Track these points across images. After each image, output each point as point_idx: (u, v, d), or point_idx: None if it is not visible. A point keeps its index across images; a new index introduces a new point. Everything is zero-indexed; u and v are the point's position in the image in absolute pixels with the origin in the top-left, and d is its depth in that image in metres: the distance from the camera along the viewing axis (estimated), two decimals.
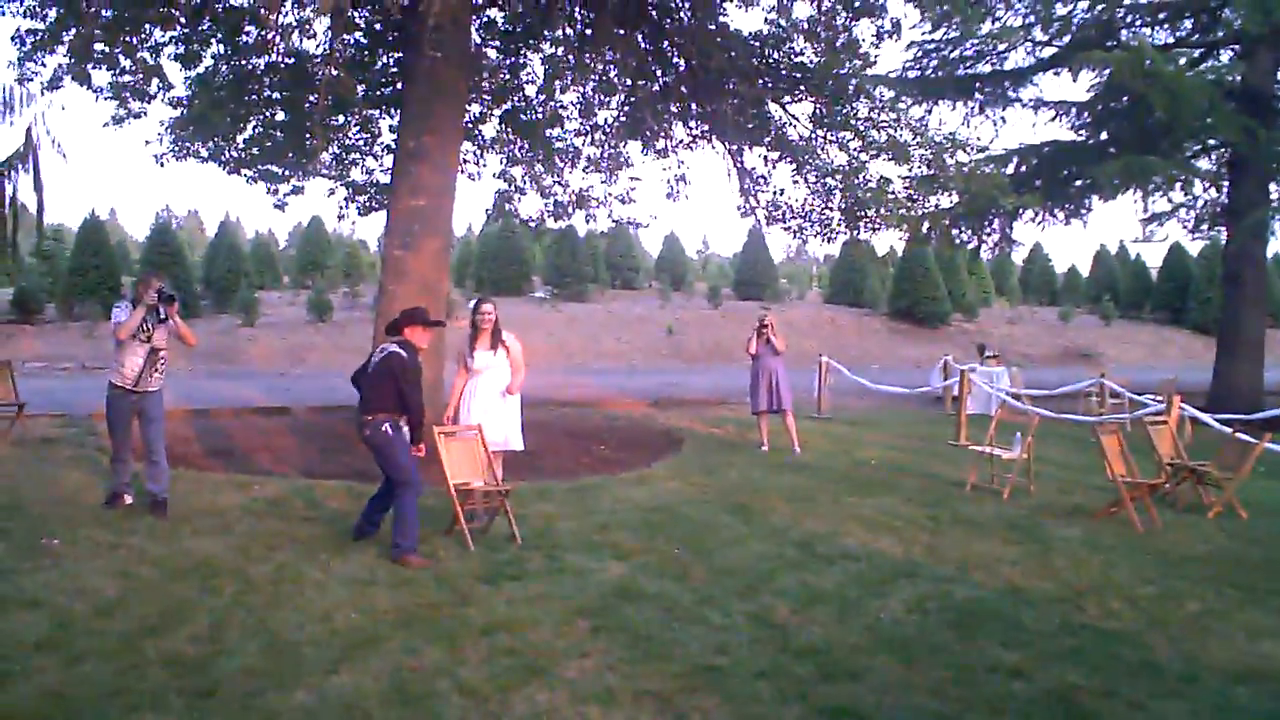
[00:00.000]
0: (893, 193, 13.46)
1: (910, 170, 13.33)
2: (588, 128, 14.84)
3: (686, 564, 6.47)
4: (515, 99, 14.74)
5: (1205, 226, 19.93)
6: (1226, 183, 17.69)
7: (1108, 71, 15.79)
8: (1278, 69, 16.69)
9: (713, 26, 12.91)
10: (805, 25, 12.50)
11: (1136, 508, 8.03)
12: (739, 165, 14.46)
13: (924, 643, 5.15)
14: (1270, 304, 22.04)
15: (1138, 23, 17.15)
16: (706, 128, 14.35)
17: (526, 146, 15.07)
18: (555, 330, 25.85)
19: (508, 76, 14.51)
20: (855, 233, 14.24)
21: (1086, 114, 18.21)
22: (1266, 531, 8.05)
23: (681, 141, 14.73)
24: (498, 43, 14.21)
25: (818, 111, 13.45)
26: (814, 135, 13.63)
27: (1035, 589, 6.16)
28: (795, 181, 14.04)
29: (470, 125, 14.35)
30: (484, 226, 27.73)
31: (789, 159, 13.96)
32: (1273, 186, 17.26)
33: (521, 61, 14.41)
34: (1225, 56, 17.20)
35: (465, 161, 14.61)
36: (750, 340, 11.60)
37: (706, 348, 25.43)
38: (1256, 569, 6.85)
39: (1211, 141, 17.53)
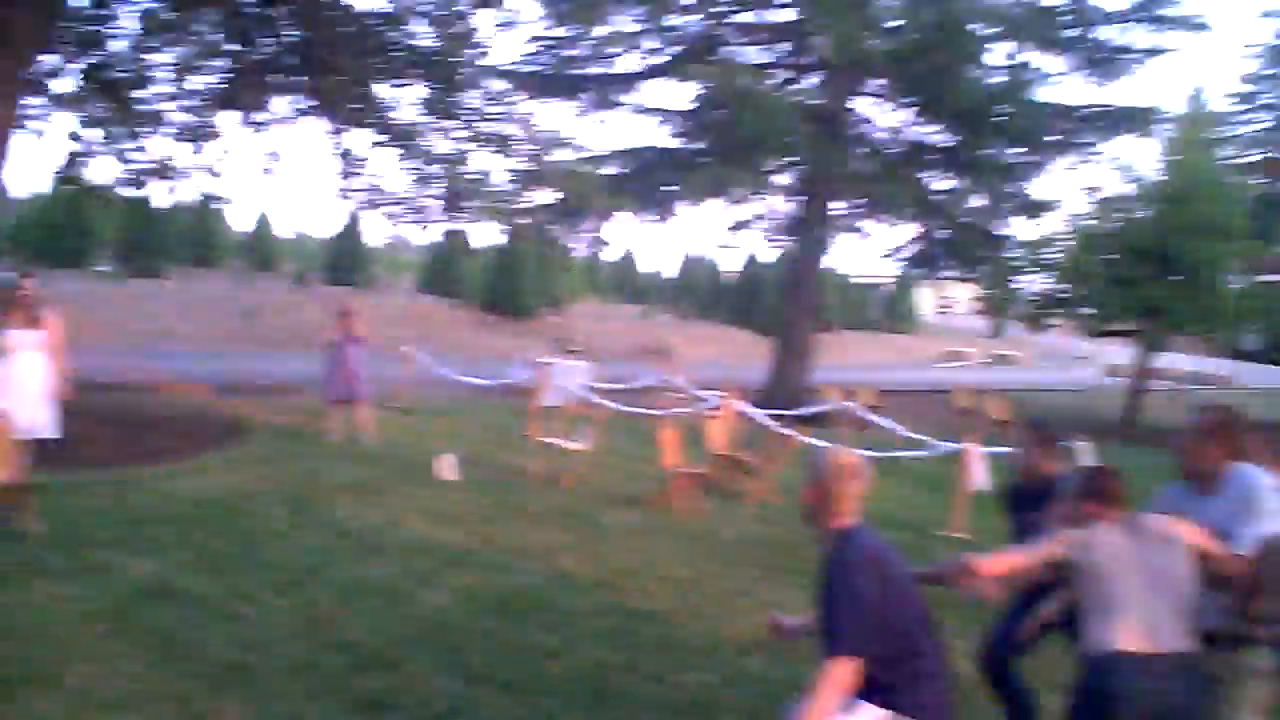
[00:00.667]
0: (493, 185, 13.53)
1: (513, 164, 13.47)
2: (181, 92, 13.32)
3: (227, 559, 6.06)
4: (101, 53, 12.86)
5: (782, 237, 21.91)
6: (801, 198, 19.22)
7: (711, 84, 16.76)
8: (848, 96, 18.45)
9: None
10: (425, 6, 12.15)
11: (684, 495, 8.72)
12: (339, 146, 13.78)
13: (468, 629, 5.24)
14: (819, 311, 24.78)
15: (743, 40, 18.28)
16: (312, 104, 13.50)
17: (108, 107, 13.20)
18: (121, 308, 23.16)
19: (97, 29, 12.63)
20: (453, 222, 14.14)
21: (690, 123, 19.09)
22: (793, 515, 9.00)
23: (282, 117, 13.73)
24: None
25: (427, 97, 13.16)
26: (421, 121, 13.32)
27: (582, 574, 6.49)
28: (399, 168, 13.63)
29: (40, 78, 12.29)
30: (44, 193, 24.11)
31: (394, 143, 13.52)
32: (836, 205, 19.03)
33: (112, 13, 12.61)
34: (817, 79, 18.70)
35: (28, 118, 12.51)
36: (330, 327, 11.07)
37: (289, 332, 24.02)
38: (778, 548, 7.65)
39: (794, 159, 18.56)
